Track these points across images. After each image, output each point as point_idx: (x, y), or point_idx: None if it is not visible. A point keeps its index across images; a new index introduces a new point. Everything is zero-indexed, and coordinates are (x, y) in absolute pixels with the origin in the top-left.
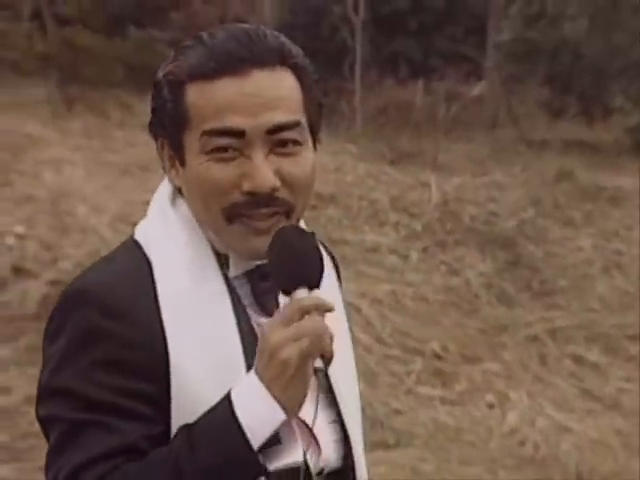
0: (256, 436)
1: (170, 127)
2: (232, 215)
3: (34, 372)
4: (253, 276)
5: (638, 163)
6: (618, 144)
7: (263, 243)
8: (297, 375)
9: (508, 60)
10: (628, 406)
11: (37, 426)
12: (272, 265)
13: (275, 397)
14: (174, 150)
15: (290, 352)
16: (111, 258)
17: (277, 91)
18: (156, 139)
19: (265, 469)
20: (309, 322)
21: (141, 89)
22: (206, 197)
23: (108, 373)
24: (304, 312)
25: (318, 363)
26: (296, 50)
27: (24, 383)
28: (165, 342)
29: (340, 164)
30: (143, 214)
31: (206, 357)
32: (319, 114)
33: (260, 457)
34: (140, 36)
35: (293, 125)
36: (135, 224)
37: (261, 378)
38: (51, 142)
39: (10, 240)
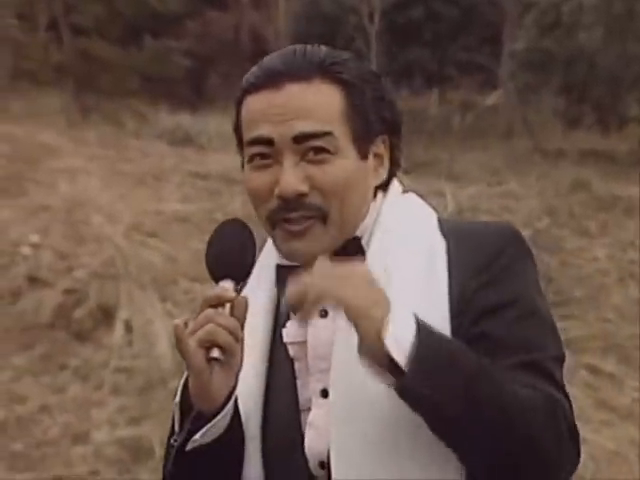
0: (176, 422)
1: (239, 141)
2: (273, 221)
3: (49, 381)
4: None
5: None
6: (633, 154)
7: (299, 246)
8: (188, 364)
9: (523, 69)
10: None
11: (51, 435)
12: (206, 257)
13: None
14: (242, 162)
15: (182, 344)
16: None
17: (306, 102)
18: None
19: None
20: (204, 314)
21: (156, 99)
22: (254, 205)
23: None
24: (207, 304)
25: (215, 353)
26: (351, 67)
27: (39, 392)
28: None
29: None
30: (157, 223)
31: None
32: (379, 128)
33: (177, 438)
34: (155, 46)
35: (321, 134)
36: (149, 233)
37: None
38: (66, 152)
39: (25, 249)
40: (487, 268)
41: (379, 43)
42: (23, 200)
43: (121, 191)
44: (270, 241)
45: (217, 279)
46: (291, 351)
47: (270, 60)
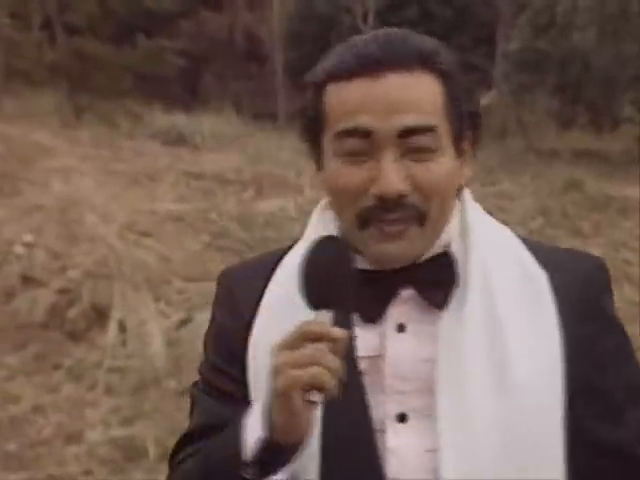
0: (247, 449)
1: (310, 129)
2: (365, 220)
3: (42, 381)
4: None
5: None
6: (627, 154)
7: (394, 248)
8: (283, 403)
9: (517, 70)
10: None
11: (45, 435)
12: (299, 285)
13: (269, 414)
14: (314, 153)
15: (279, 382)
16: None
17: (410, 94)
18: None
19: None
20: (301, 354)
21: (150, 99)
22: (340, 202)
23: (210, 352)
24: (306, 338)
25: (316, 397)
26: (446, 56)
27: (32, 392)
28: (250, 328)
29: None
30: (151, 223)
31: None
32: (467, 123)
33: (248, 470)
34: (149, 45)
35: (426, 129)
36: (143, 233)
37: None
38: (60, 151)
39: (19, 249)
40: (598, 310)
41: None
42: (17, 200)
43: (115, 191)
44: (323, 229)
45: (314, 307)
46: (362, 364)
47: (364, 46)
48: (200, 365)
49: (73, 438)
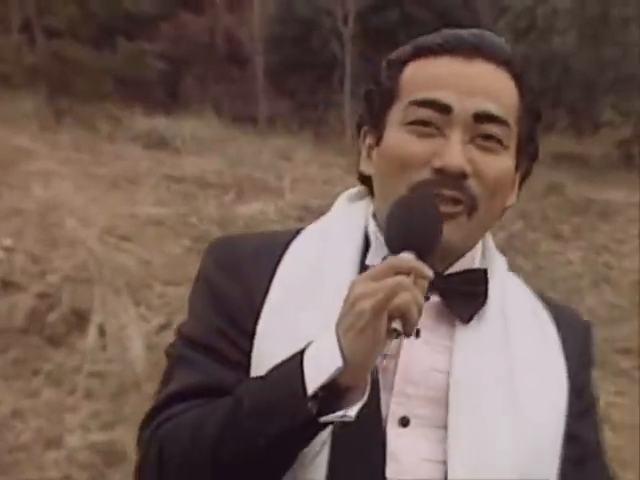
0: (311, 382)
1: (378, 104)
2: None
3: (21, 386)
4: None
5: (627, 177)
6: (607, 158)
7: (444, 228)
8: (367, 328)
9: None
10: (618, 420)
11: (24, 440)
12: (387, 227)
13: (341, 347)
14: (375, 127)
15: (366, 304)
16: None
17: (495, 84)
18: (360, 130)
19: (315, 418)
20: (393, 279)
21: (130, 102)
22: (395, 173)
23: (206, 315)
24: (395, 271)
25: (396, 324)
26: (520, 65)
27: (11, 397)
28: (262, 305)
29: (329, 177)
30: (131, 227)
31: (290, 331)
32: (528, 146)
33: (311, 404)
34: (129, 48)
35: (502, 121)
36: (123, 237)
37: (337, 328)
38: (40, 155)
39: None
40: (588, 361)
41: (354, 46)
42: None
43: (95, 194)
44: (349, 218)
45: (399, 249)
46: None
47: (456, 32)
48: (184, 325)
49: (52, 443)
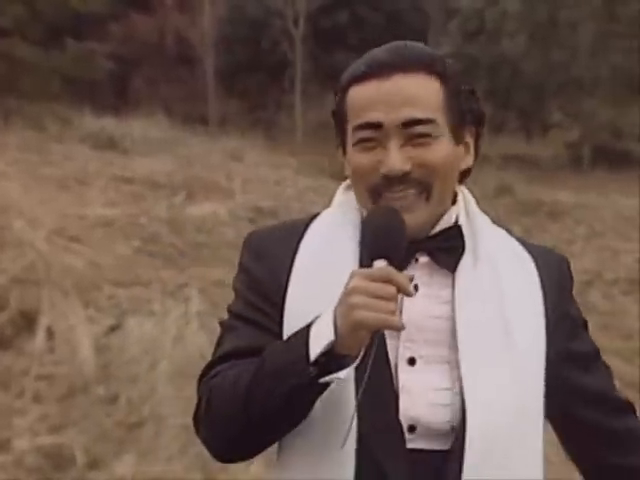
0: (313, 350)
1: (339, 126)
2: (375, 195)
3: None
4: None
5: (576, 178)
6: (556, 159)
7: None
8: (354, 320)
9: None
10: None
11: None
12: (361, 240)
13: (335, 324)
14: (342, 145)
15: (358, 300)
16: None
17: (413, 91)
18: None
19: (315, 379)
20: (384, 289)
21: (79, 102)
22: (356, 180)
23: (245, 295)
24: (385, 279)
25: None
26: (446, 64)
27: None
28: (287, 281)
29: (280, 177)
30: (80, 228)
31: (316, 301)
32: (469, 118)
33: (313, 368)
34: (78, 48)
35: (427, 121)
36: (72, 238)
37: (335, 308)
38: None
39: None
40: (566, 289)
41: (304, 47)
42: None
43: (43, 195)
44: (347, 207)
45: (374, 257)
46: None
47: (378, 53)
48: (231, 304)
49: (0, 447)
